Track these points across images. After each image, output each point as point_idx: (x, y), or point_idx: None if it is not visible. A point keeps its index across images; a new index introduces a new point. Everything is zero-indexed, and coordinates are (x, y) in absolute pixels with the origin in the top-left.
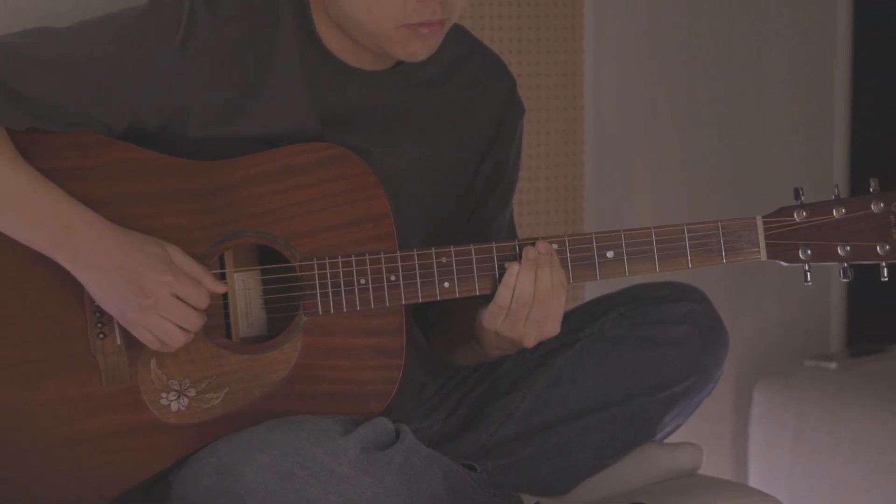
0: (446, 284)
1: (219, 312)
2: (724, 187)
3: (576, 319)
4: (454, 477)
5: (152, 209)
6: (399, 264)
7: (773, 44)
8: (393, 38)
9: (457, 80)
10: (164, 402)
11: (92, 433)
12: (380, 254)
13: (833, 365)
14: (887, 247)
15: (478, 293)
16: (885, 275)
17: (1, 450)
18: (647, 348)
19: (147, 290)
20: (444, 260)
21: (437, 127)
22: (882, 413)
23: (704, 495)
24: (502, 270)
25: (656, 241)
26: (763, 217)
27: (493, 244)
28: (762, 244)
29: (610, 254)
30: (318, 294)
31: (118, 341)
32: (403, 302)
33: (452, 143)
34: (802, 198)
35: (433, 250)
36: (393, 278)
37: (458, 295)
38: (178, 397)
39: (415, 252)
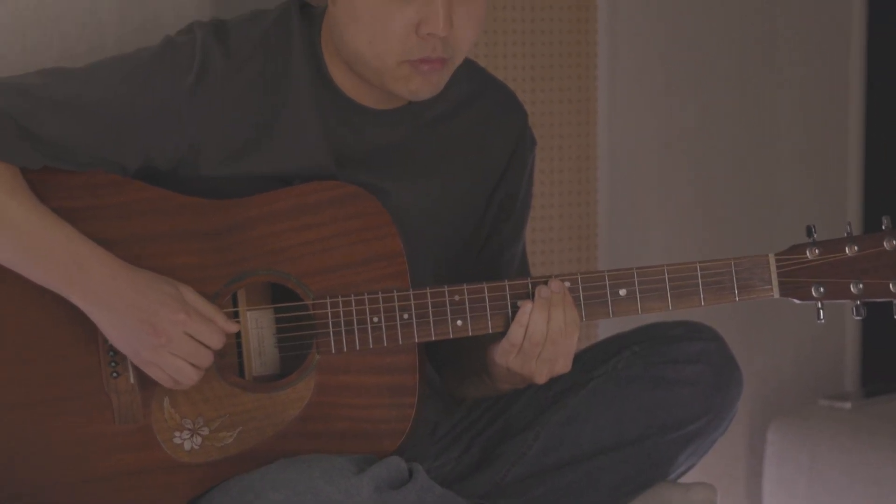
0: (459, 323)
1: (232, 351)
2: (737, 224)
3: (589, 358)
4: None
5: (165, 248)
6: (412, 302)
7: (785, 81)
8: (395, 74)
9: (469, 116)
10: (177, 440)
11: (105, 472)
12: (393, 292)
13: (847, 405)
14: None
15: (490, 331)
16: None
17: (16, 487)
18: (661, 388)
19: (159, 329)
20: (456, 298)
21: (450, 162)
22: None
23: None
24: (515, 309)
25: (669, 279)
26: (776, 255)
27: (506, 282)
28: (775, 282)
29: (623, 292)
30: (332, 332)
31: (131, 380)
32: (416, 340)
33: (465, 177)
34: (815, 235)
35: (446, 288)
36: (406, 317)
37: (470, 333)
38: (192, 436)
39: (427, 290)
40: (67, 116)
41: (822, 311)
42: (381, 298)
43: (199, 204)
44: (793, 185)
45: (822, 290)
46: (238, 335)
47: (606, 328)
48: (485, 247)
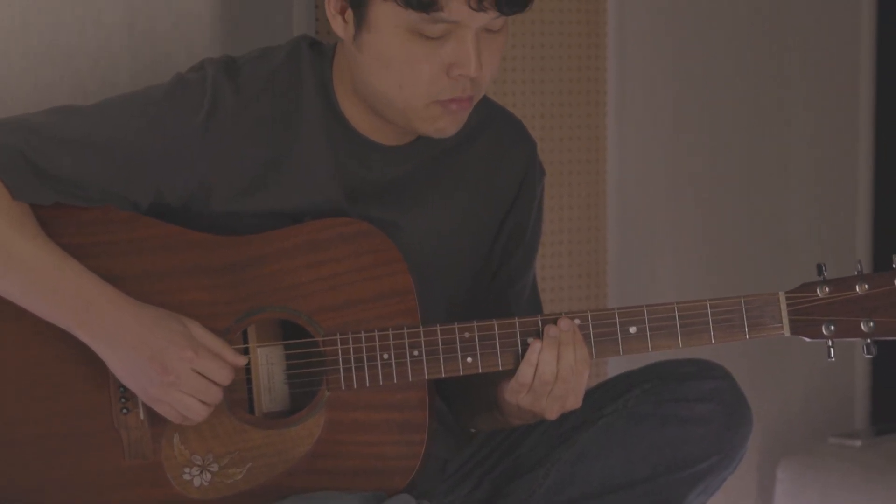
0: (469, 359)
1: (242, 387)
2: (747, 262)
3: (600, 396)
4: None
5: (176, 284)
6: (422, 339)
7: (795, 118)
8: (422, 115)
9: (478, 146)
10: (186, 477)
11: None
12: (403, 329)
13: (857, 443)
14: None
15: (500, 368)
16: None
17: None
18: (672, 426)
19: (168, 367)
20: (466, 335)
21: (460, 193)
22: None
23: None
24: (525, 346)
25: (679, 316)
26: (786, 293)
27: (517, 319)
28: (785, 320)
29: (633, 329)
30: (342, 369)
31: (141, 416)
32: (426, 377)
33: (475, 208)
34: (825, 273)
35: (456, 325)
36: (416, 353)
37: (480, 370)
38: (201, 472)
39: (437, 327)
40: (78, 154)
41: (832, 350)
42: (391, 335)
43: (210, 240)
44: (802, 223)
45: (832, 328)
46: (248, 371)
47: (616, 365)
48: (495, 278)
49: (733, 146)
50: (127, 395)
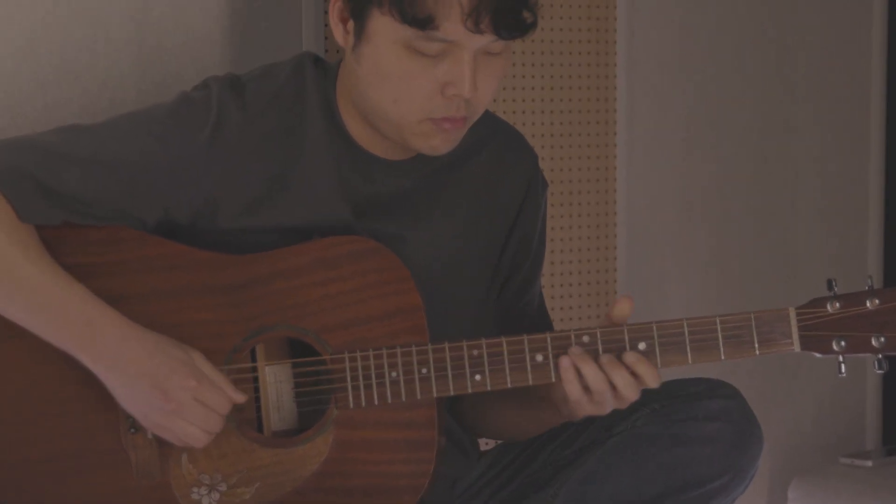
0: (478, 377)
1: (250, 406)
2: (757, 278)
3: (609, 415)
4: None
5: (184, 303)
6: (430, 357)
7: (805, 134)
8: (415, 131)
9: (481, 160)
10: (195, 496)
11: None
12: (411, 347)
13: (869, 463)
14: None
15: (509, 385)
16: None
17: None
18: (681, 445)
19: (170, 395)
20: (475, 353)
21: (464, 207)
22: None
23: None
24: (534, 363)
25: (689, 332)
26: (796, 308)
27: (525, 337)
28: (795, 336)
29: (642, 345)
30: (350, 387)
31: (149, 436)
32: (435, 395)
33: (480, 221)
34: (835, 289)
35: (464, 343)
36: (424, 371)
37: (489, 388)
38: (210, 492)
39: (446, 345)
40: (86, 172)
41: (843, 366)
42: (399, 353)
43: (218, 259)
44: (813, 238)
45: (843, 343)
46: (256, 390)
47: None
48: (503, 290)
49: (742, 163)
50: None
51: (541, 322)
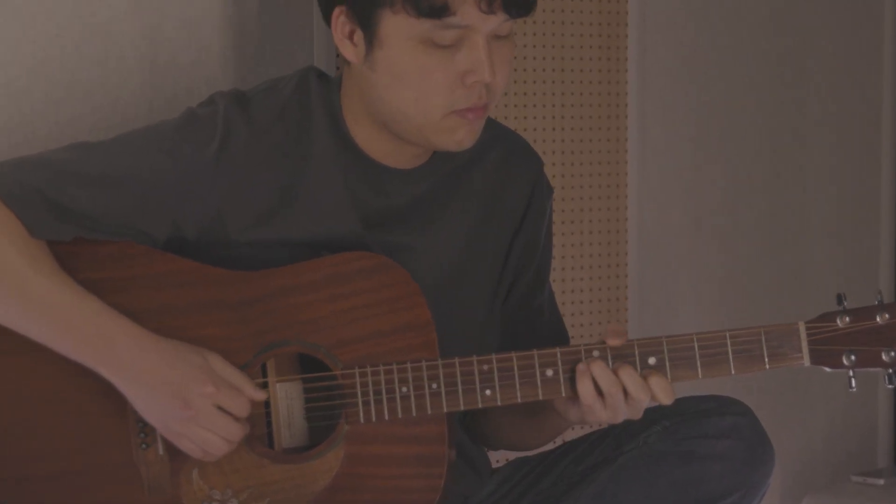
0: (488, 392)
1: (261, 422)
2: (767, 293)
3: (619, 433)
4: None
5: (195, 319)
6: (440, 372)
7: (815, 148)
8: (440, 127)
9: (486, 166)
10: None
11: None
12: (421, 362)
13: (880, 481)
14: None
15: (519, 401)
16: None
17: None
18: (692, 463)
19: (189, 402)
20: (485, 368)
21: (471, 213)
22: None
23: None
24: (544, 377)
25: (699, 347)
26: (806, 322)
27: (535, 352)
28: (805, 350)
29: (652, 360)
30: (360, 402)
31: (160, 451)
32: (445, 410)
33: (486, 227)
34: (845, 303)
35: (475, 358)
36: (434, 386)
37: (499, 403)
38: None
39: (456, 360)
40: (95, 189)
41: (853, 380)
42: (409, 368)
43: (228, 275)
44: (823, 253)
45: (853, 357)
46: (267, 405)
47: None
48: (510, 295)
49: (753, 178)
50: (146, 430)
51: (553, 328)
